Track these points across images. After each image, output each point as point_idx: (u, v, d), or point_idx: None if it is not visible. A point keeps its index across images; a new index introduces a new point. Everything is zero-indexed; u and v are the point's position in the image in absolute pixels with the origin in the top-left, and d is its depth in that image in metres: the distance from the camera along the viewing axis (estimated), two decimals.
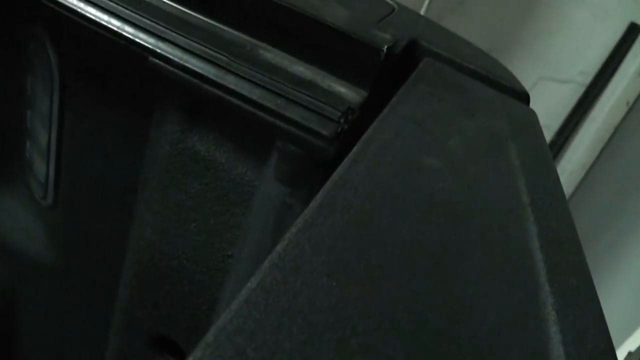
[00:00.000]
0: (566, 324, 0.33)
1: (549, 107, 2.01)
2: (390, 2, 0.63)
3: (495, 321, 0.32)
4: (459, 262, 0.34)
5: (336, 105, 0.49)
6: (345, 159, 0.39)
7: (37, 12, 0.57)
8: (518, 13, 1.96)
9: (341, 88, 0.51)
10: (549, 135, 2.03)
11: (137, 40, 0.52)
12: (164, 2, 0.54)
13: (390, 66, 0.51)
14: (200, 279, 0.63)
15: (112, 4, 0.54)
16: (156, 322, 0.67)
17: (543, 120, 1.82)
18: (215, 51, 0.51)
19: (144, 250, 0.65)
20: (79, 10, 0.54)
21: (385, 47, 0.49)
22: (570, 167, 2.01)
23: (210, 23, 0.53)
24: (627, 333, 1.45)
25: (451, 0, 1.95)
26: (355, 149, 0.40)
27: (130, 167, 0.68)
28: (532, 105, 1.98)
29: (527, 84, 1.93)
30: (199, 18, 0.54)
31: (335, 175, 0.37)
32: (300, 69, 0.51)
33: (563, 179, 2.03)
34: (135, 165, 0.67)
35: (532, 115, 0.54)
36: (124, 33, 0.53)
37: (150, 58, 0.52)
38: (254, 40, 0.53)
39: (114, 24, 0.53)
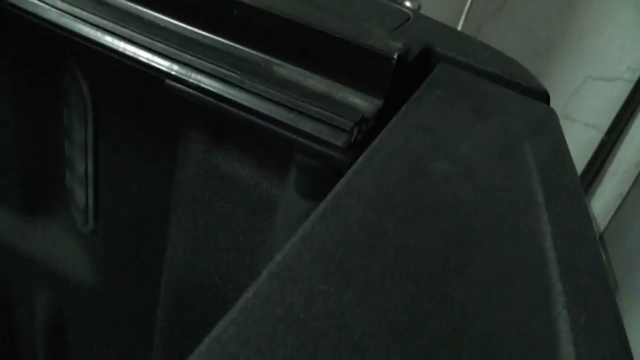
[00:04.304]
0: (578, 324, 0.32)
1: (597, 106, 1.97)
2: (406, 10, 0.63)
3: (502, 323, 0.31)
4: (466, 266, 0.34)
5: (350, 116, 0.49)
6: (351, 168, 0.39)
7: (68, 45, 0.59)
8: (559, 14, 1.93)
9: (356, 99, 0.51)
10: (598, 135, 1.99)
11: (153, 64, 0.54)
12: (178, 25, 0.56)
13: (404, 74, 0.51)
14: (232, 296, 0.64)
15: (127, 31, 0.55)
16: (194, 340, 0.68)
17: (592, 120, 1.77)
18: (228, 70, 0.52)
19: (178, 270, 0.66)
20: (96, 39, 0.56)
21: (396, 54, 0.49)
22: (623, 166, 1.96)
23: (224, 43, 0.54)
24: None
25: (490, 6, 1.94)
26: (361, 157, 0.40)
27: (163, 190, 0.70)
28: (580, 105, 1.93)
29: (574, 84, 1.89)
30: (213, 39, 0.55)
31: (339, 184, 0.37)
32: (314, 82, 0.52)
33: (617, 179, 1.98)
34: (168, 188, 0.69)
35: (551, 113, 0.53)
36: (140, 58, 0.54)
37: (167, 81, 0.53)
38: (267, 57, 0.53)
39: (130, 50, 0.55)
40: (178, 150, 0.65)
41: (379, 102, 0.51)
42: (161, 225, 0.71)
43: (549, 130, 0.51)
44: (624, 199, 2.01)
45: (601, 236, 2.04)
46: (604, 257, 1.83)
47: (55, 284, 0.86)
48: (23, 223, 0.86)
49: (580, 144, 2.03)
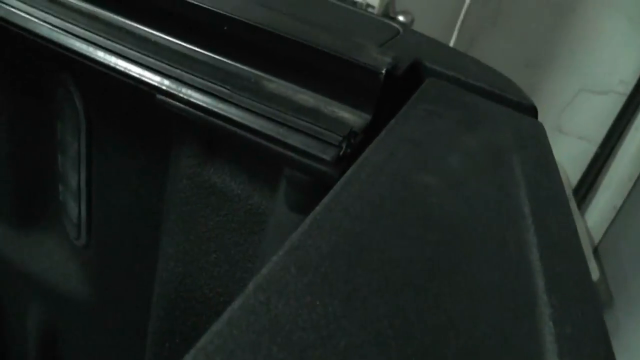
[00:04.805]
0: (563, 335, 0.32)
1: (590, 119, 1.97)
2: (396, 25, 0.64)
3: (487, 334, 0.31)
4: (452, 277, 0.34)
5: (338, 130, 0.49)
6: (338, 182, 0.39)
7: (61, 60, 0.60)
8: (552, 26, 1.94)
9: (345, 113, 0.52)
10: (592, 148, 1.99)
11: (144, 79, 0.54)
12: (170, 40, 0.56)
13: (393, 88, 0.52)
14: (223, 309, 0.64)
15: (118, 46, 0.56)
16: (185, 353, 0.67)
17: (585, 133, 1.77)
18: (218, 85, 0.53)
19: (169, 283, 0.66)
20: (88, 54, 0.56)
21: (385, 69, 0.50)
22: (616, 179, 1.96)
23: (214, 58, 0.55)
24: None
25: (484, 18, 1.95)
26: (349, 171, 0.40)
27: (155, 203, 0.70)
28: (573, 118, 1.93)
29: (567, 97, 1.89)
30: (203, 54, 0.55)
31: (327, 197, 0.38)
32: (304, 97, 0.52)
33: (611, 192, 1.99)
34: (159, 202, 0.69)
35: (539, 127, 0.54)
36: (131, 73, 0.55)
37: (158, 95, 0.54)
38: (257, 72, 0.54)
39: (121, 64, 0.55)
40: (170, 164, 0.65)
41: (367, 116, 0.51)
42: (153, 239, 0.71)
43: (537, 144, 0.51)
44: (618, 212, 2.01)
45: (596, 249, 2.04)
46: (598, 270, 1.83)
47: (48, 297, 0.86)
48: (16, 236, 0.86)
49: (574, 156, 2.03)
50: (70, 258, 0.84)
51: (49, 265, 0.85)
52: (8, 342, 0.98)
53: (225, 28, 0.53)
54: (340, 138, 0.49)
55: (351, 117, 0.51)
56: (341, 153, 0.48)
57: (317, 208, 0.37)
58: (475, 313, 0.32)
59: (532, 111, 0.56)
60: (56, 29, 0.58)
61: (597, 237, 2.06)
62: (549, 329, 0.32)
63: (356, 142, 0.50)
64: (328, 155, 0.48)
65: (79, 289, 0.83)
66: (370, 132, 0.51)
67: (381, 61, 0.50)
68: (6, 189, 0.83)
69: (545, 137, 0.53)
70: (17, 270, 0.87)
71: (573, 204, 2.01)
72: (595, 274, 1.82)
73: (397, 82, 0.53)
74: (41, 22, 0.58)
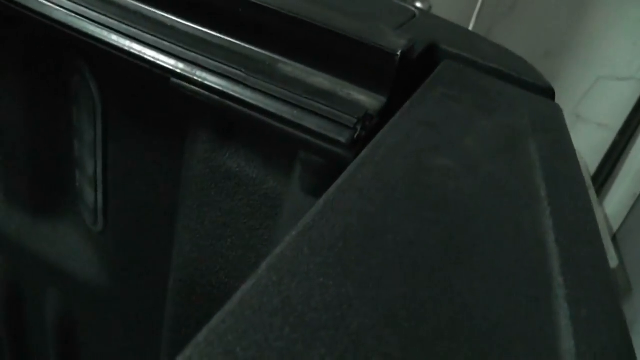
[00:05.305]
0: (579, 316, 0.32)
1: (610, 106, 1.96)
2: (412, 8, 0.63)
3: (501, 316, 0.31)
4: (466, 259, 0.34)
5: (353, 113, 0.49)
6: (352, 163, 0.39)
7: (77, 45, 0.60)
8: (571, 13, 1.92)
9: (360, 96, 0.51)
10: (611, 135, 1.98)
11: (158, 62, 0.54)
12: (184, 23, 0.56)
13: (409, 71, 0.52)
14: None
15: (132, 29, 0.56)
16: None
17: (604, 120, 1.76)
18: (233, 67, 0.53)
19: (184, 268, 0.67)
20: (102, 38, 0.56)
21: (400, 51, 0.49)
22: (636, 166, 1.94)
23: (229, 41, 0.55)
24: None
25: (502, 5, 1.93)
26: (363, 152, 0.40)
27: (171, 188, 0.70)
28: (592, 105, 1.91)
29: (586, 84, 1.88)
30: (218, 37, 0.55)
31: (341, 178, 0.37)
32: (319, 79, 0.52)
33: (630, 179, 1.97)
34: (175, 187, 0.69)
35: (556, 110, 0.53)
36: (146, 56, 0.55)
37: (172, 79, 0.54)
38: (272, 55, 0.54)
39: (135, 48, 0.55)
40: (185, 149, 0.65)
41: (383, 99, 0.51)
42: (169, 224, 0.71)
43: (554, 126, 0.51)
44: (637, 200, 1.99)
45: (614, 237, 2.03)
46: (617, 258, 1.81)
47: (64, 284, 0.87)
48: (33, 223, 0.87)
49: (593, 144, 2.01)
50: (87, 244, 0.84)
51: (65, 252, 0.85)
52: (26, 329, 0.99)
53: (240, 11, 0.53)
54: (356, 120, 0.48)
55: (366, 99, 0.51)
56: (356, 135, 0.48)
57: (331, 189, 0.36)
58: (490, 295, 0.32)
59: (550, 93, 0.56)
60: (71, 13, 0.58)
61: (615, 225, 2.04)
62: (564, 311, 0.32)
63: (371, 125, 0.50)
64: (343, 137, 0.48)
65: (96, 274, 0.84)
66: (386, 114, 0.50)
67: (397, 43, 0.50)
68: (23, 175, 0.84)
69: (563, 119, 0.52)
70: (34, 257, 0.87)
71: (592, 192, 1.99)
72: (613, 262, 1.81)
73: (413, 65, 0.52)
74: (56, 7, 0.58)
